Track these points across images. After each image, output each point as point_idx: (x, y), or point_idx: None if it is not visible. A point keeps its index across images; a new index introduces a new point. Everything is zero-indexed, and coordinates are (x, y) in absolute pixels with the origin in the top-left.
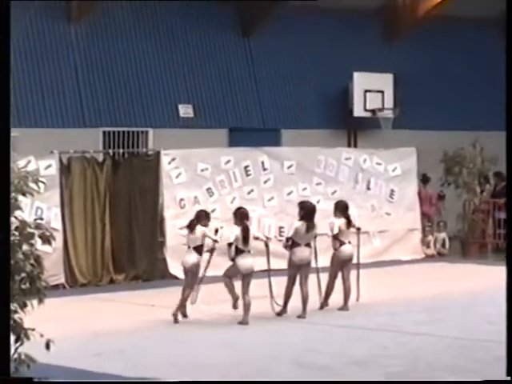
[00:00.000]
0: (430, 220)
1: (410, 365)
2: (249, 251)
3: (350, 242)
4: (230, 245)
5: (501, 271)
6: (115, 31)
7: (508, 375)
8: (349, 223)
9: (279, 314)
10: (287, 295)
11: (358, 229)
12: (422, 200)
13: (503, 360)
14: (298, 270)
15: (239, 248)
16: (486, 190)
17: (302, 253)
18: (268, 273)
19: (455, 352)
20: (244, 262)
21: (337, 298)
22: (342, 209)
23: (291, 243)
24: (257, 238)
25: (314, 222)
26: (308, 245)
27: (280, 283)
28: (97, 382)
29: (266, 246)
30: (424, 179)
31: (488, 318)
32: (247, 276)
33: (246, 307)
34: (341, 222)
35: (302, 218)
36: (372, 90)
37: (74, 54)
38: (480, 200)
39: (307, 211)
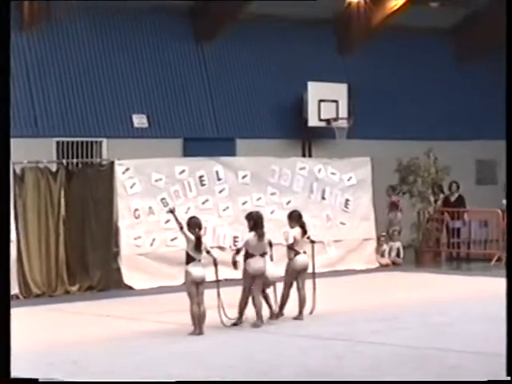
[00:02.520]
0: (393, 225)
1: (365, 374)
2: (199, 260)
3: (305, 252)
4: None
5: (454, 280)
6: (68, 40)
7: (508, 375)
8: (304, 232)
9: (235, 324)
10: (242, 306)
11: (312, 241)
12: (390, 208)
13: (458, 368)
14: (252, 281)
15: (191, 256)
16: (439, 199)
17: (256, 263)
18: (217, 286)
19: (410, 361)
20: (195, 270)
21: (291, 307)
22: (295, 218)
23: (245, 255)
24: (208, 252)
25: (263, 230)
26: (262, 255)
27: (235, 293)
28: (99, 382)
29: (215, 264)
30: (392, 188)
31: (442, 327)
32: (200, 285)
33: (202, 317)
34: (296, 231)
35: (251, 229)
36: (326, 100)
37: (27, 63)
38: (434, 209)
39: (255, 221)
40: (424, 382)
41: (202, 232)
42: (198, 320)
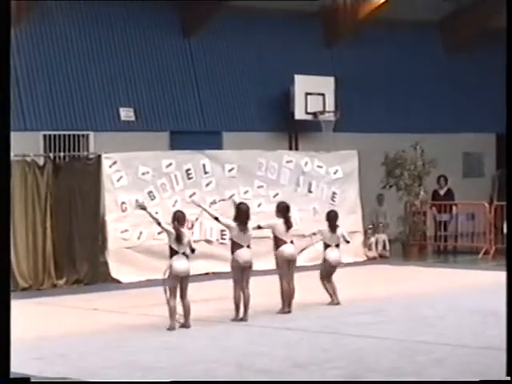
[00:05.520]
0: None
1: (351, 367)
2: (183, 253)
3: (292, 242)
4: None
5: (441, 273)
6: (55, 34)
7: (508, 375)
8: (288, 227)
9: (241, 320)
10: (237, 299)
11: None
12: None
13: (443, 362)
14: (242, 273)
15: (173, 249)
16: (421, 190)
17: (245, 254)
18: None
19: (396, 354)
20: (178, 263)
21: (277, 300)
22: (282, 210)
23: (232, 247)
24: (192, 251)
25: (247, 221)
26: (249, 246)
27: (223, 286)
28: (96, 382)
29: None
30: None
31: (428, 320)
32: (184, 279)
33: (186, 310)
34: (279, 222)
35: (234, 219)
36: (313, 93)
37: (14, 56)
38: (421, 202)
39: (239, 213)
40: (423, 382)
41: (188, 225)
42: (184, 314)
